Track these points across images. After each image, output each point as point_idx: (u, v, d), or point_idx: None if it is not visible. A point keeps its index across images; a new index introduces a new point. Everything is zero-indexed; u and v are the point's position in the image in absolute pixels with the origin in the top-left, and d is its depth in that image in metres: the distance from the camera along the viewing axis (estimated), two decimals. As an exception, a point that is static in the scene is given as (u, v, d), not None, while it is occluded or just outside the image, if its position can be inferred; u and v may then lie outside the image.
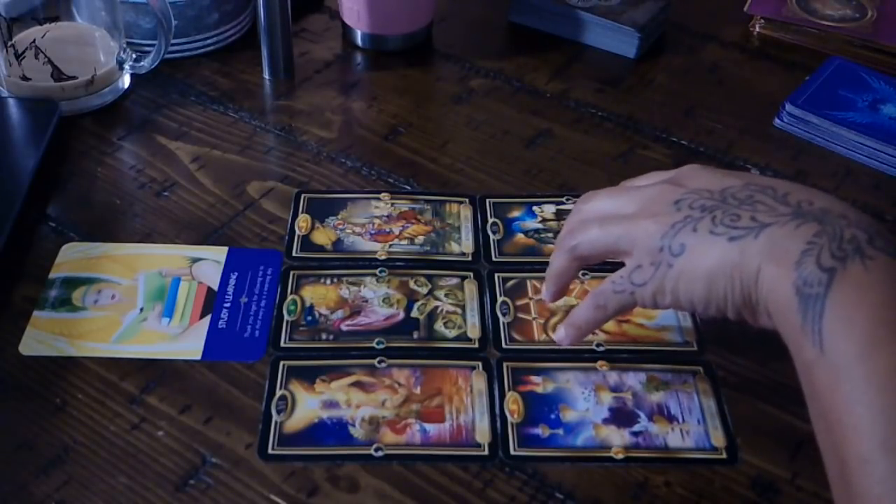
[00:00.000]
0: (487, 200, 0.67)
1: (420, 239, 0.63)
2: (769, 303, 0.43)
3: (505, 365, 0.56)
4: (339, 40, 0.83)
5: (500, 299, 0.59)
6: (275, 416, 0.53)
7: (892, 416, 0.37)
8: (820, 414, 0.40)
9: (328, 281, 0.60)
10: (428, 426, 0.52)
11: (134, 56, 0.74)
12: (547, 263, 0.55)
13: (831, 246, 0.42)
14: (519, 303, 0.59)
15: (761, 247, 0.43)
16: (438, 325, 0.58)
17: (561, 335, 0.53)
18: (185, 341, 0.56)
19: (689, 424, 0.53)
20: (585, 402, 0.54)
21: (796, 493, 0.50)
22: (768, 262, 0.43)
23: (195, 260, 0.61)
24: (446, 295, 0.59)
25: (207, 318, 0.58)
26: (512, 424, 0.53)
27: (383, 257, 0.62)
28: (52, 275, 0.60)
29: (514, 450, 0.51)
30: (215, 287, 0.60)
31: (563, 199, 0.67)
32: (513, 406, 0.54)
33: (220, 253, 0.62)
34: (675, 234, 0.46)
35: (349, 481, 0.50)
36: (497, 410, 0.53)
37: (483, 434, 0.52)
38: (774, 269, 0.43)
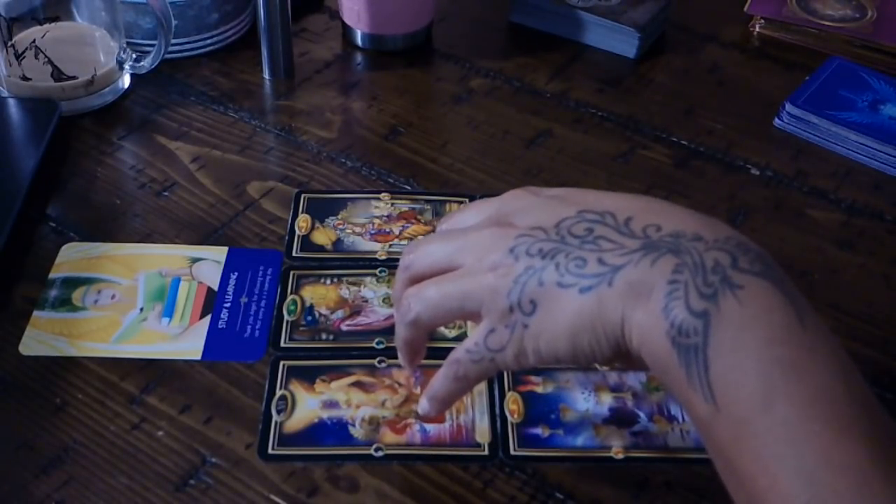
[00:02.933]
0: (487, 200, 0.67)
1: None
2: (643, 354, 0.40)
3: (505, 365, 0.56)
4: (339, 40, 0.83)
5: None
6: (275, 416, 0.53)
7: (809, 472, 0.35)
8: (728, 468, 0.38)
9: (328, 281, 0.60)
10: (428, 426, 0.52)
11: (134, 56, 0.74)
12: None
13: (696, 281, 0.38)
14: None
15: (619, 293, 0.39)
16: (438, 325, 0.58)
17: (425, 407, 0.48)
18: (185, 341, 0.56)
19: (689, 424, 0.53)
20: (585, 402, 0.54)
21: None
22: (632, 310, 0.39)
23: (195, 260, 0.61)
24: (446, 295, 0.59)
25: (207, 318, 0.58)
26: (512, 424, 0.53)
27: (383, 257, 0.62)
28: (52, 275, 0.60)
29: (514, 450, 0.51)
30: (215, 287, 0.60)
31: None
32: (513, 406, 0.54)
33: (220, 253, 0.62)
34: (520, 290, 0.41)
35: (349, 481, 0.50)
36: (497, 410, 0.53)
37: (483, 434, 0.52)
38: (641, 317, 0.39)
